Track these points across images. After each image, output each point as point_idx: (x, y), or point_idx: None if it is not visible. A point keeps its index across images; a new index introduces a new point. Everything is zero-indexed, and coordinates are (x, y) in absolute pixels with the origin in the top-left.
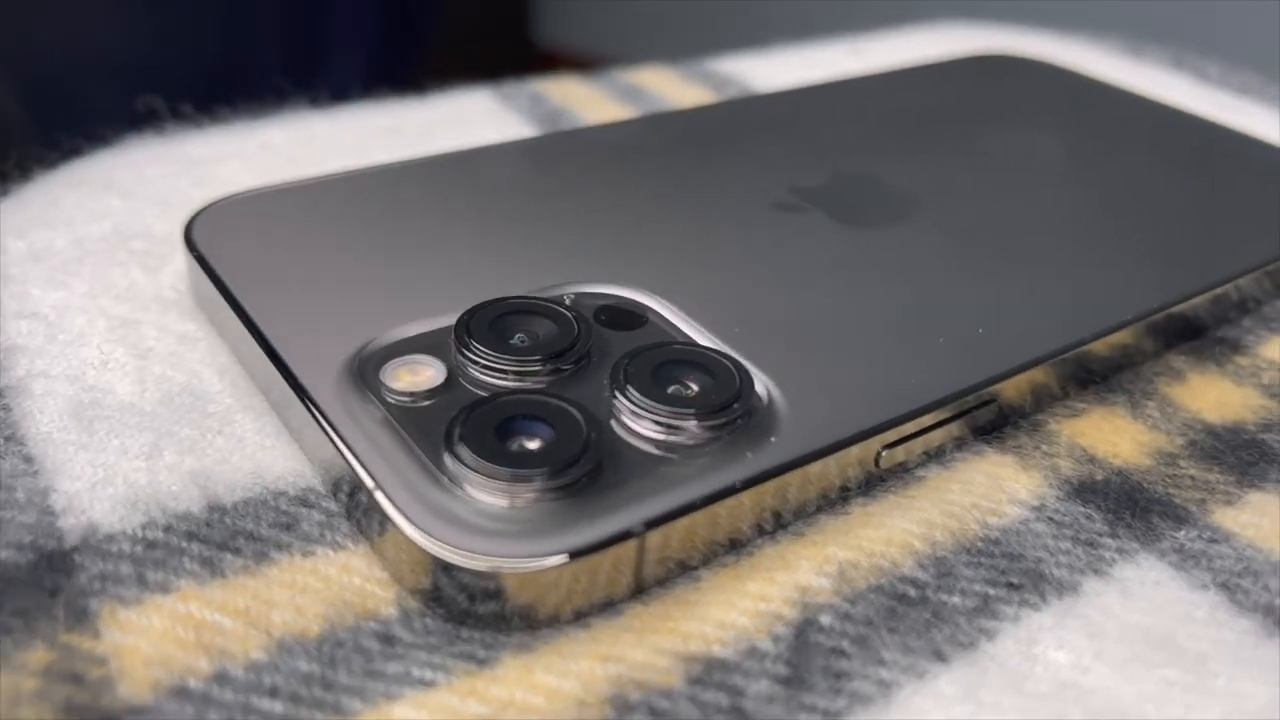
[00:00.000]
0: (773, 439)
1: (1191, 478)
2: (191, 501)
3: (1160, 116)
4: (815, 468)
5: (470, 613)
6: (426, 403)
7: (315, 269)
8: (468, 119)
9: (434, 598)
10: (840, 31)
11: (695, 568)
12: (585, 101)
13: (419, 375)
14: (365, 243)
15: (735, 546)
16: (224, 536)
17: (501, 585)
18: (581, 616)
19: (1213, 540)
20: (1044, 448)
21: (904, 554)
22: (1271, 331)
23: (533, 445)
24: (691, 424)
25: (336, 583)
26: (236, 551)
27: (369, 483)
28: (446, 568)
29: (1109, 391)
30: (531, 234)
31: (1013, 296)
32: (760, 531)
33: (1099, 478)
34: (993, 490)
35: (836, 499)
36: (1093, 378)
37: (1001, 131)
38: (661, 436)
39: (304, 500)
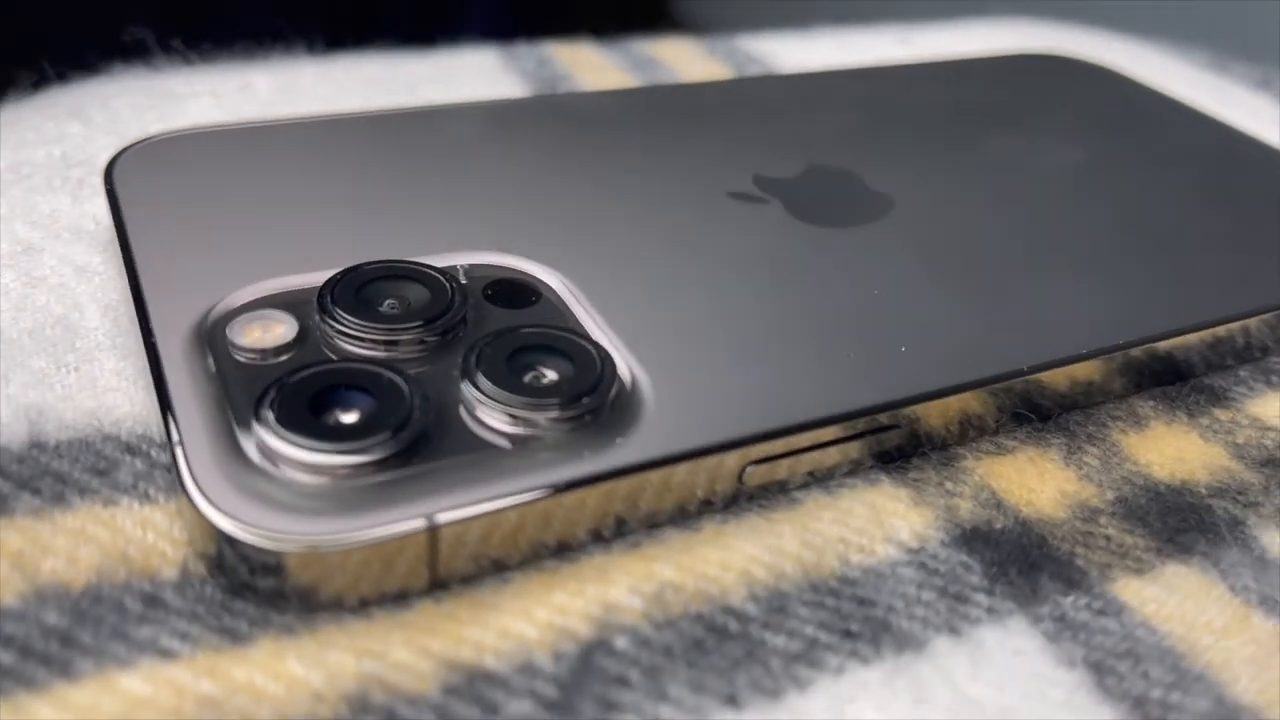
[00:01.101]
0: (619, 440)
1: (1107, 538)
2: (14, 436)
3: (1207, 134)
4: (657, 477)
5: (250, 586)
6: (273, 361)
7: (214, 215)
8: (459, 76)
9: (216, 566)
10: (942, 17)
11: (510, 567)
12: (590, 68)
13: (270, 333)
14: (271, 194)
15: (563, 549)
16: (29, 475)
17: (279, 563)
18: (367, 605)
19: (1101, 612)
20: (948, 485)
21: (739, 582)
22: (1271, 386)
23: (348, 418)
24: (534, 414)
25: (126, 536)
26: (35, 492)
27: (174, 436)
28: (227, 538)
29: (1050, 431)
30: (449, 199)
31: (954, 314)
32: (597, 537)
33: (997, 526)
34: (870, 525)
35: (692, 512)
36: (1034, 414)
37: (1017, 135)
38: (501, 425)
39: (132, 448)
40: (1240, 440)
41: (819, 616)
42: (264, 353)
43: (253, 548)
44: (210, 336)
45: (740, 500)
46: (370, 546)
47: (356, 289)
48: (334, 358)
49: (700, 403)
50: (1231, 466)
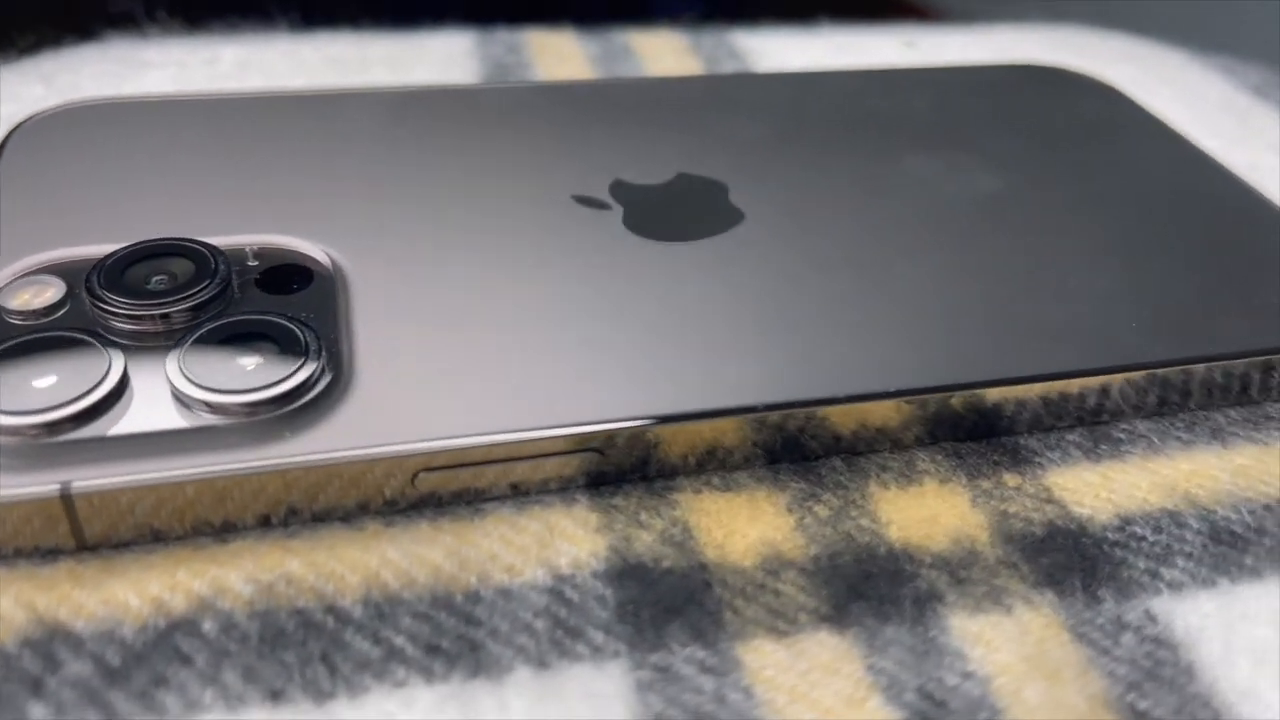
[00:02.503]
0: (288, 434)
1: (776, 594)
2: None
3: (1185, 169)
4: (321, 473)
5: None
6: (36, 322)
7: (58, 187)
8: (421, 59)
9: None
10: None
11: (170, 539)
12: (557, 58)
13: (38, 297)
14: (115, 169)
15: (229, 528)
16: None
17: None
18: (20, 556)
19: (710, 670)
20: (643, 515)
21: (361, 584)
22: (1089, 456)
23: (43, 384)
24: (219, 398)
25: None
26: None
27: None
28: None
29: (798, 474)
30: (276, 183)
31: (725, 340)
32: (265, 521)
33: (664, 565)
34: (535, 546)
35: (370, 510)
36: (792, 453)
37: (943, 153)
38: (188, 404)
39: None
40: (1011, 510)
41: (417, 628)
42: (24, 314)
43: None
44: None
45: (421, 505)
46: (10, 505)
47: (131, 263)
48: (89, 328)
49: (393, 406)
50: (979, 538)
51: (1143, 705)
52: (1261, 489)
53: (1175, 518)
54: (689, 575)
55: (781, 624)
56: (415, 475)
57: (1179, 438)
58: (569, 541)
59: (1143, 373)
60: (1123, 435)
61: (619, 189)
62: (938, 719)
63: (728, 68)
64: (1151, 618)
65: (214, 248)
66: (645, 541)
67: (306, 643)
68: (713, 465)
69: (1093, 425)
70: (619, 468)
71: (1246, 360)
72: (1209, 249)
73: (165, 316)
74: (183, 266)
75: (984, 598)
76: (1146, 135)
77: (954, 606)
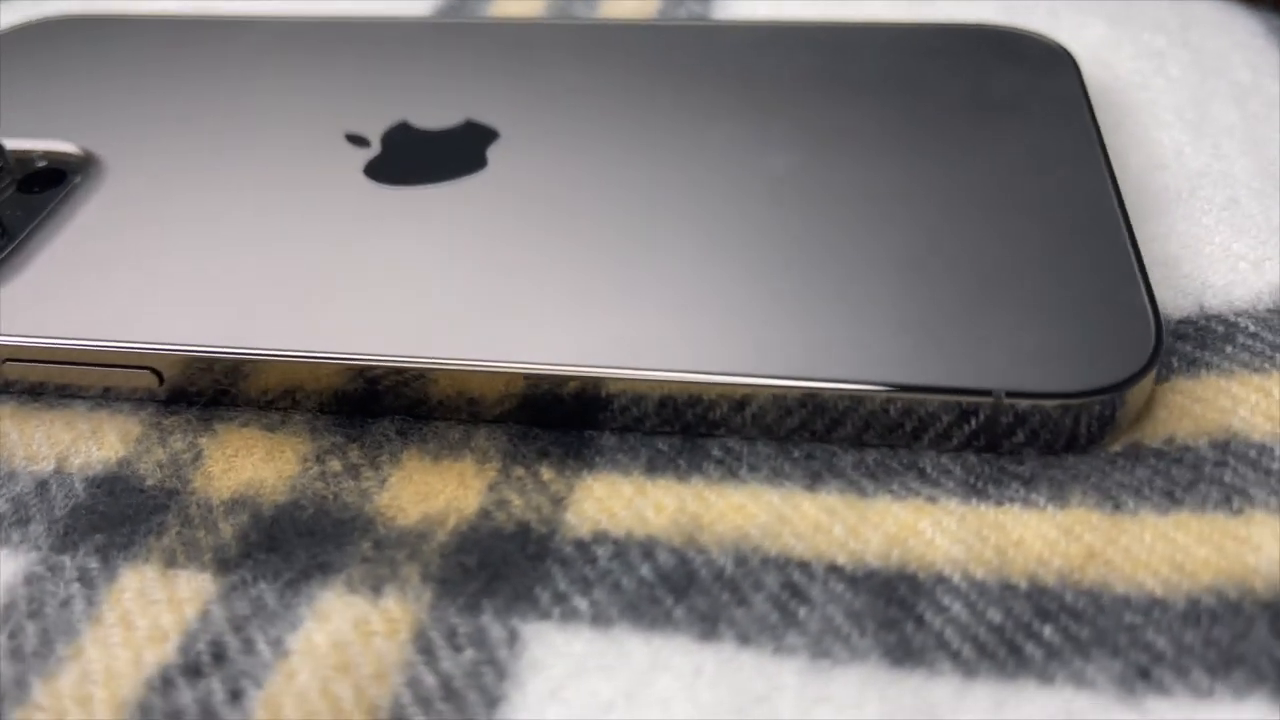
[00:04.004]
0: None
1: (210, 529)
2: None
3: (1058, 165)
4: None
5: None
6: None
7: None
8: None
9: None
10: None
11: None
12: None
13: None
14: (20, 78)
15: None
16: None
17: None
18: None
19: (81, 580)
20: (173, 437)
21: None
22: (652, 467)
23: None
24: None
25: None
26: None
27: None
28: None
29: (343, 428)
30: (82, 96)
31: (334, 285)
32: None
33: (148, 483)
34: (69, 440)
35: None
36: (345, 407)
37: (796, 121)
38: None
39: None
40: (512, 503)
41: None
42: None
43: None
44: None
45: (7, 388)
46: None
47: None
48: None
49: (19, 298)
50: (446, 523)
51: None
52: (784, 542)
53: (648, 551)
54: (154, 496)
55: (182, 556)
56: (4, 361)
57: (773, 468)
58: (99, 446)
59: (754, 388)
60: (719, 453)
61: (395, 131)
62: (207, 673)
63: (683, 13)
64: (509, 638)
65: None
66: (154, 458)
67: None
68: (282, 404)
69: (699, 435)
70: (186, 390)
71: (898, 395)
72: (997, 264)
73: None
74: None
75: (377, 578)
76: (1048, 121)
77: (343, 579)
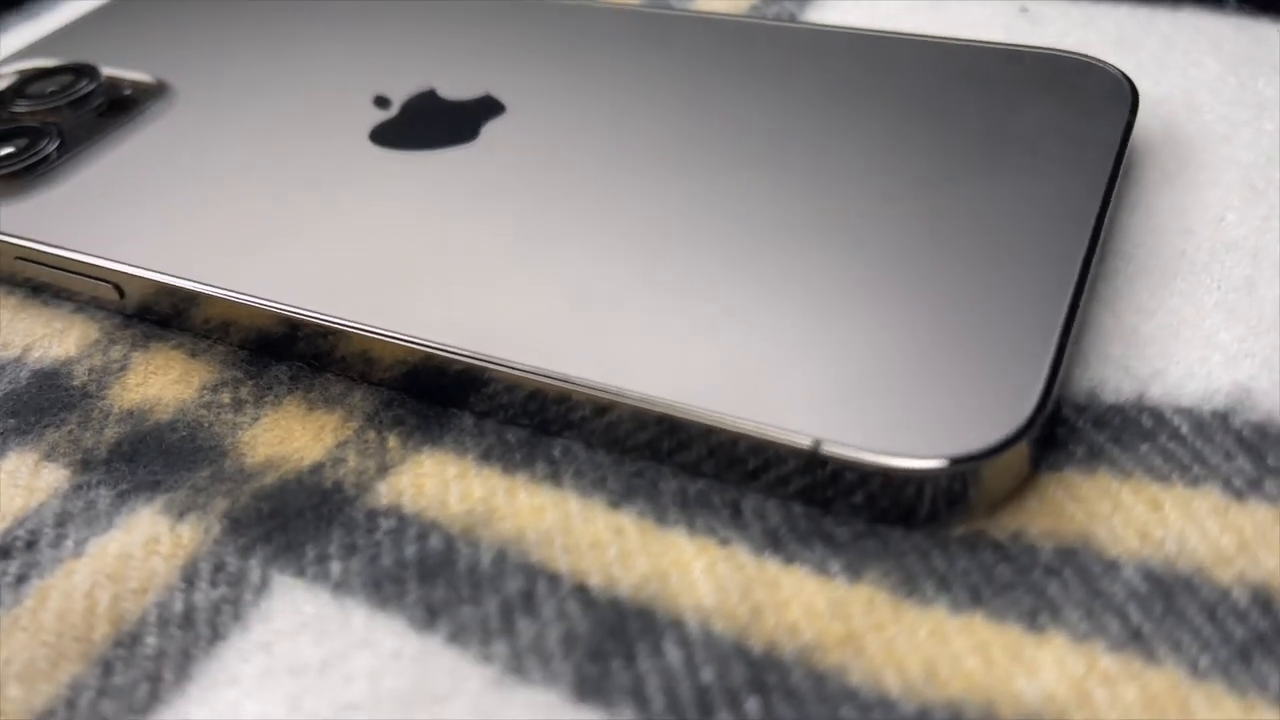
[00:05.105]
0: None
1: (79, 425)
2: None
3: (1056, 209)
4: None
5: None
6: None
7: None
8: None
9: None
10: None
11: None
12: None
13: None
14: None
15: None
16: None
17: None
18: None
19: None
20: (115, 347)
21: None
22: (489, 455)
23: None
24: None
25: None
26: None
27: None
28: None
29: (252, 365)
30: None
31: (298, 236)
32: None
33: (70, 382)
34: (40, 333)
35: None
36: (271, 350)
37: (811, 135)
38: None
39: None
40: (349, 463)
41: None
42: None
43: None
44: None
45: (15, 281)
46: None
47: (28, 79)
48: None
49: (50, 205)
50: (298, 462)
51: None
52: (550, 552)
53: (424, 533)
54: (72, 396)
55: (58, 452)
56: (15, 258)
57: (597, 478)
58: (59, 344)
59: (592, 396)
60: (557, 453)
61: (418, 98)
62: (14, 556)
63: (773, 12)
64: (260, 584)
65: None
66: (91, 362)
67: None
68: (214, 335)
69: (548, 433)
70: (144, 307)
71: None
72: (900, 305)
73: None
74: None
75: (188, 505)
76: (1063, 161)
77: (164, 501)
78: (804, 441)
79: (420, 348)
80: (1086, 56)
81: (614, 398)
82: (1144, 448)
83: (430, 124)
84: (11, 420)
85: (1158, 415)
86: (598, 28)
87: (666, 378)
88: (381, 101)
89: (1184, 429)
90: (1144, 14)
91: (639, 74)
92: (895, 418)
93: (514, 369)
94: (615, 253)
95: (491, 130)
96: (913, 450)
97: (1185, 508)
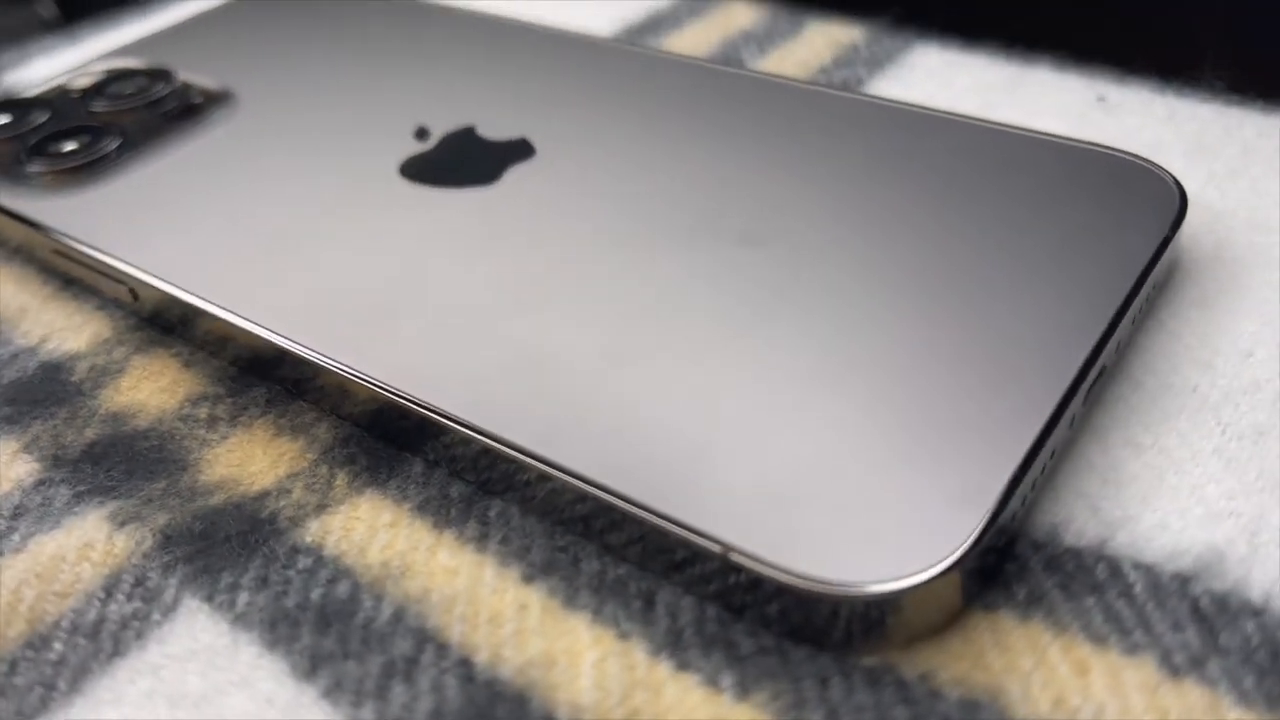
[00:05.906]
0: (39, 182)
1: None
2: None
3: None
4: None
5: None
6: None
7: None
8: None
9: None
10: None
11: None
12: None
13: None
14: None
15: None
16: None
17: None
18: None
19: None
20: (118, 349)
21: None
22: (425, 508)
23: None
24: (40, 159)
25: None
26: None
27: None
28: None
29: (235, 381)
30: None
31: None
32: None
33: (70, 377)
34: (51, 319)
35: (23, 254)
36: (256, 371)
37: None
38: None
39: None
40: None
41: None
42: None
43: None
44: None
45: (52, 269)
46: None
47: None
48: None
49: (90, 203)
50: (262, 479)
51: None
52: (448, 619)
53: (334, 578)
54: (67, 391)
55: (38, 446)
56: (51, 250)
57: (522, 547)
58: (73, 338)
59: (533, 468)
60: (493, 515)
61: (456, 134)
62: None
63: (837, 78)
64: (172, 605)
65: (157, 71)
66: (94, 361)
67: None
68: (210, 348)
69: (491, 493)
70: (155, 311)
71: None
72: (856, 413)
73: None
74: (134, 84)
75: (131, 516)
76: (1079, 274)
77: (114, 508)
78: (714, 546)
79: (379, 390)
80: (1140, 158)
81: (544, 468)
82: (1089, 601)
83: (459, 162)
84: (8, 408)
85: (1114, 567)
86: (656, 78)
87: (602, 457)
88: (422, 133)
89: (1138, 587)
90: (1234, 116)
91: (678, 130)
92: (818, 532)
93: (457, 423)
94: (587, 321)
95: (514, 174)
96: (826, 571)
97: (1113, 677)
